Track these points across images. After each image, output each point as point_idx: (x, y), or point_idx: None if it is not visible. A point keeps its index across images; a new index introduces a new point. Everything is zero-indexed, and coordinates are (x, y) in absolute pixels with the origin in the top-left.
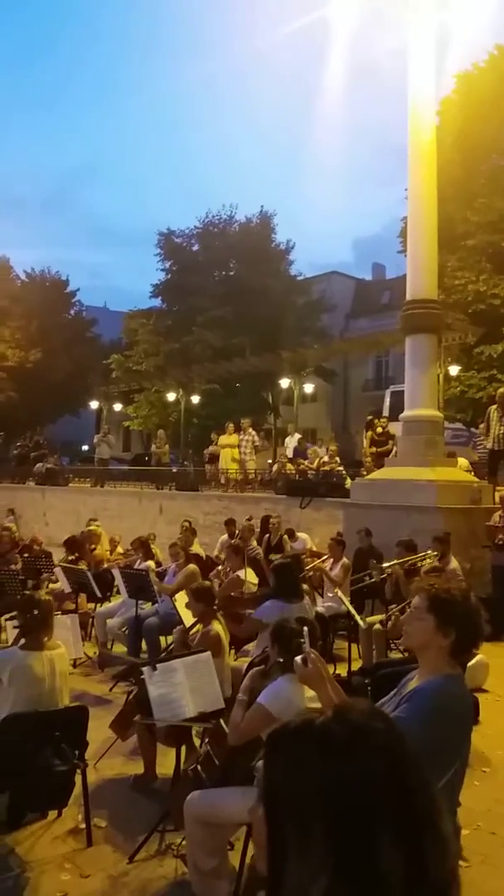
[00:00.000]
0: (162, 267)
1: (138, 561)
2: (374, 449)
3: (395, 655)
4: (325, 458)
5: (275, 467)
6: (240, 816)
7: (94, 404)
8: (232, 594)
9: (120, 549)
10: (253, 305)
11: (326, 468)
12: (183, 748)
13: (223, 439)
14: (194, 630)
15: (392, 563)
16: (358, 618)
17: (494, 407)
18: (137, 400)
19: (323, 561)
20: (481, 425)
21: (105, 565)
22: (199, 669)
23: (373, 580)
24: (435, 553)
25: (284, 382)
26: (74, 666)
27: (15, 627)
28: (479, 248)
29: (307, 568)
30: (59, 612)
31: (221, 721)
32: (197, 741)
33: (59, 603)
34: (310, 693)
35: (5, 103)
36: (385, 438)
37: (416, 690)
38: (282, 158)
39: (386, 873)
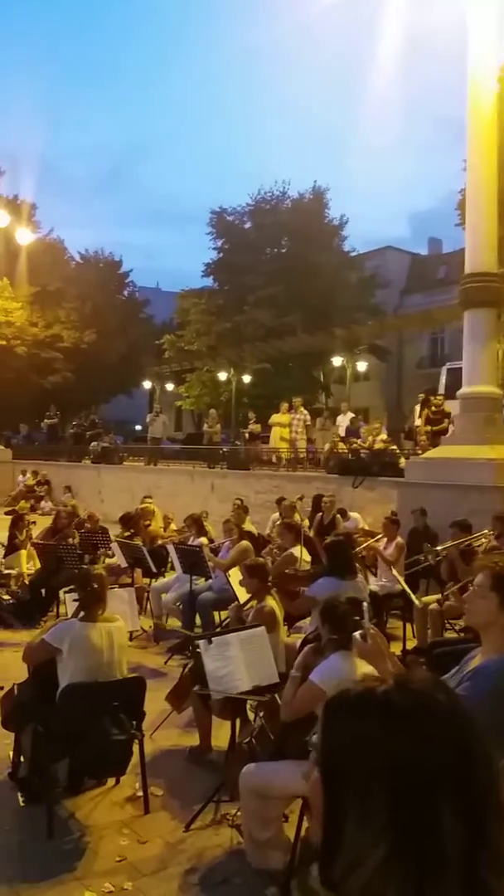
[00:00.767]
0: (214, 246)
1: (191, 538)
2: (429, 427)
3: (449, 635)
4: (384, 437)
5: (326, 446)
6: (295, 789)
7: (146, 384)
8: (286, 571)
9: (173, 526)
10: (305, 283)
11: (381, 447)
12: (238, 721)
13: (275, 418)
14: (248, 606)
15: (446, 545)
16: (413, 597)
17: None
18: (189, 380)
19: (377, 540)
20: None
21: (159, 541)
22: (254, 644)
23: (427, 563)
24: (492, 532)
25: (337, 361)
26: (131, 639)
27: (74, 601)
28: None
29: (360, 548)
30: (116, 586)
31: (276, 696)
32: (251, 715)
33: (115, 577)
34: (363, 670)
35: (58, 84)
36: (441, 416)
37: (479, 669)
38: (335, 133)
39: (446, 844)
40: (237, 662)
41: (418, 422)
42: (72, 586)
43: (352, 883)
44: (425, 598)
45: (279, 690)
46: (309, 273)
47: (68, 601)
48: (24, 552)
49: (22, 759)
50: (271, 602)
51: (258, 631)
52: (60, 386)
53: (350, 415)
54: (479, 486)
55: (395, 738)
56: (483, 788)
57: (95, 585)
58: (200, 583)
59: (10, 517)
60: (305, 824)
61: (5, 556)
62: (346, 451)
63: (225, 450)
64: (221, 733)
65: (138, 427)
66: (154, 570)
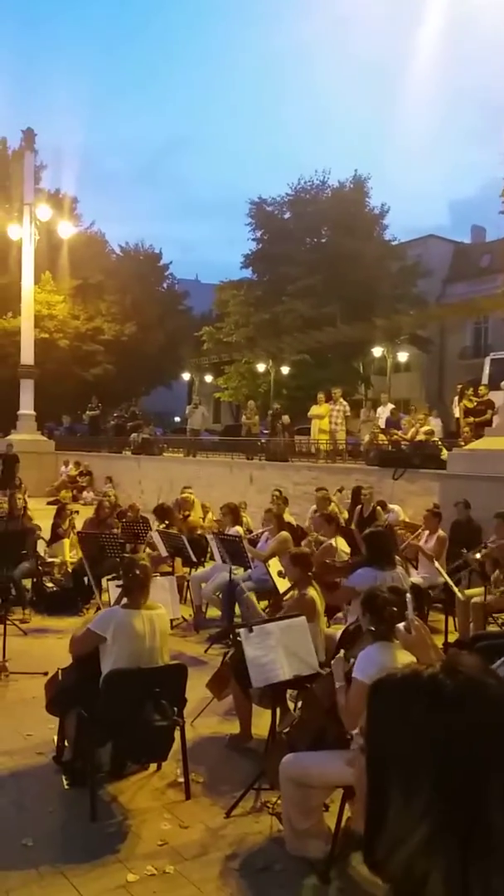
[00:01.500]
0: (253, 237)
1: (227, 527)
2: (471, 419)
3: (491, 629)
4: (434, 428)
5: (366, 438)
6: (335, 779)
7: (185, 376)
8: (326, 561)
9: (212, 516)
10: (345, 273)
11: (423, 438)
12: (278, 710)
13: (314, 409)
14: (288, 596)
15: (481, 551)
16: (456, 590)
17: None
18: (228, 371)
19: (417, 535)
20: None
21: (199, 531)
22: (295, 633)
23: (469, 567)
24: None
25: (377, 351)
26: (171, 627)
27: (117, 587)
28: None
29: (402, 546)
30: (157, 575)
31: (313, 685)
32: (292, 704)
33: (155, 566)
34: (403, 661)
35: (98, 80)
36: (484, 408)
37: None
38: (375, 122)
39: (491, 829)
40: (278, 652)
41: (456, 413)
42: (115, 574)
43: (394, 862)
44: (468, 591)
45: (319, 680)
46: (349, 262)
47: (111, 589)
48: (67, 541)
49: (66, 743)
50: (312, 592)
51: (298, 620)
52: (102, 378)
53: (390, 406)
54: None
55: (442, 721)
56: None
57: (138, 573)
58: (239, 573)
59: (53, 507)
60: (346, 814)
61: (49, 544)
62: (386, 442)
63: (263, 441)
64: (262, 722)
65: (177, 419)
66: (194, 559)
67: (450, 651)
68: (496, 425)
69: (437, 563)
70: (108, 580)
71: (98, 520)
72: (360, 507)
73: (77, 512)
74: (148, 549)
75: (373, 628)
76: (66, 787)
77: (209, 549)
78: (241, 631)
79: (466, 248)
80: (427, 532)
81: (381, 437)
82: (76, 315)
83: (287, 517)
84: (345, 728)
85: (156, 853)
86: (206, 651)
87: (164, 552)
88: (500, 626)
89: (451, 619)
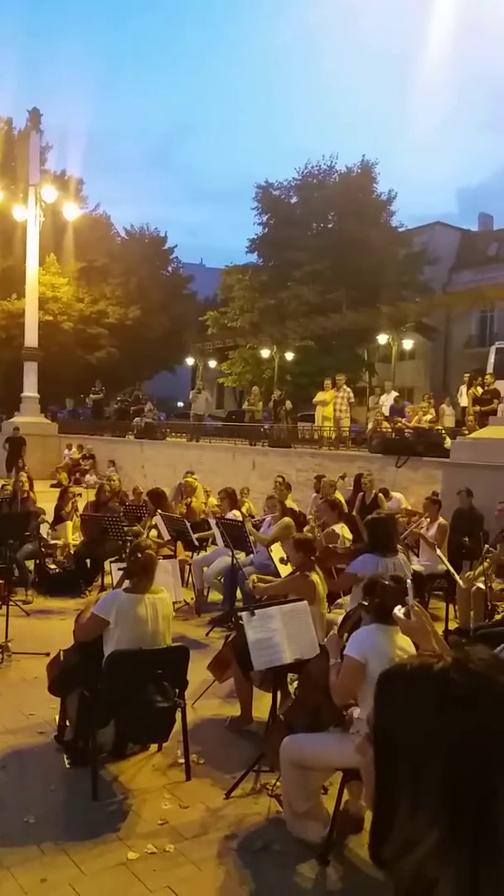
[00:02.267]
0: (259, 221)
1: (225, 511)
2: (477, 407)
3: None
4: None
5: (370, 425)
6: (334, 761)
7: (189, 361)
8: (329, 546)
9: (213, 501)
10: (351, 259)
11: (426, 426)
12: (279, 693)
13: (318, 396)
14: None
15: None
16: (457, 577)
17: None
18: (232, 357)
19: (418, 524)
20: None
21: (202, 516)
22: (297, 617)
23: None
24: None
25: (382, 338)
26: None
27: (119, 570)
28: None
29: (402, 536)
30: (159, 558)
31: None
32: (292, 688)
33: (157, 549)
34: (401, 644)
35: (107, 64)
36: (490, 397)
37: None
38: (382, 109)
39: (501, 833)
40: (280, 635)
41: (464, 401)
42: (118, 556)
43: (404, 865)
44: (468, 573)
45: (314, 659)
46: (356, 249)
47: (114, 571)
48: (70, 523)
49: (67, 723)
50: (314, 577)
51: (300, 605)
52: (105, 362)
53: (394, 393)
54: None
55: (452, 720)
56: None
57: (141, 557)
58: (241, 557)
59: (56, 489)
60: (345, 797)
61: (52, 526)
62: (389, 429)
63: (266, 427)
64: (262, 705)
65: (180, 404)
66: (196, 543)
67: (451, 638)
68: (501, 414)
69: (438, 551)
70: (111, 563)
71: (98, 503)
72: (361, 494)
73: (80, 495)
74: (154, 532)
75: (371, 612)
76: (68, 766)
77: (211, 535)
78: (243, 614)
79: (474, 236)
80: (428, 520)
81: (385, 424)
82: (80, 298)
83: (289, 503)
84: (338, 708)
85: (156, 832)
86: (207, 634)
87: (166, 536)
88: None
89: (451, 607)
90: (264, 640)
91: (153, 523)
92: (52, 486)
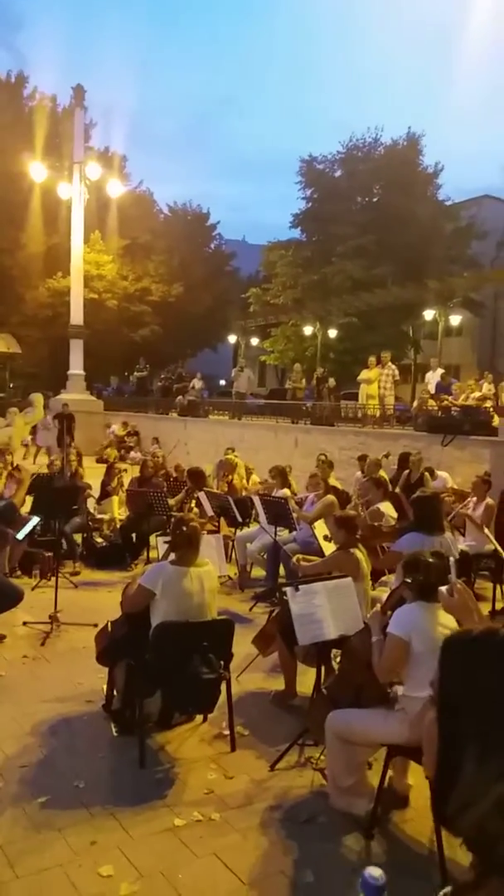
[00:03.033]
0: (303, 195)
1: (275, 489)
2: None
3: None
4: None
5: (415, 403)
6: (379, 737)
7: (231, 338)
8: (374, 524)
9: (255, 478)
10: (397, 233)
11: (474, 404)
12: (323, 668)
13: (363, 374)
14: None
15: None
16: None
17: None
18: (274, 334)
19: (464, 505)
20: None
21: (244, 493)
22: (341, 593)
23: None
24: None
25: (429, 314)
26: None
27: (165, 543)
28: None
29: (450, 517)
30: (203, 532)
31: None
32: (336, 664)
33: (201, 525)
34: (444, 621)
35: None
36: None
37: None
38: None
39: None
40: (324, 611)
41: None
42: (163, 531)
43: (467, 819)
44: None
45: (358, 633)
46: (401, 223)
47: (160, 545)
48: (115, 498)
49: (115, 692)
50: (358, 553)
51: (345, 581)
52: (149, 339)
53: (440, 371)
54: None
55: None
56: None
57: (186, 530)
58: (284, 534)
59: (102, 465)
60: (389, 773)
61: (98, 501)
62: (435, 407)
63: (308, 405)
64: (306, 679)
65: (222, 382)
66: (239, 519)
67: (496, 618)
68: None
69: (486, 530)
70: (156, 536)
71: (142, 479)
72: (407, 472)
73: (125, 470)
74: (196, 510)
75: (414, 589)
76: (115, 734)
77: (253, 511)
78: (288, 589)
79: None
80: (475, 499)
81: (431, 402)
82: (124, 275)
83: (332, 482)
84: (383, 685)
85: (202, 801)
86: (251, 609)
87: (209, 511)
88: None
89: (498, 587)
90: (309, 615)
91: (192, 504)
92: (99, 461)
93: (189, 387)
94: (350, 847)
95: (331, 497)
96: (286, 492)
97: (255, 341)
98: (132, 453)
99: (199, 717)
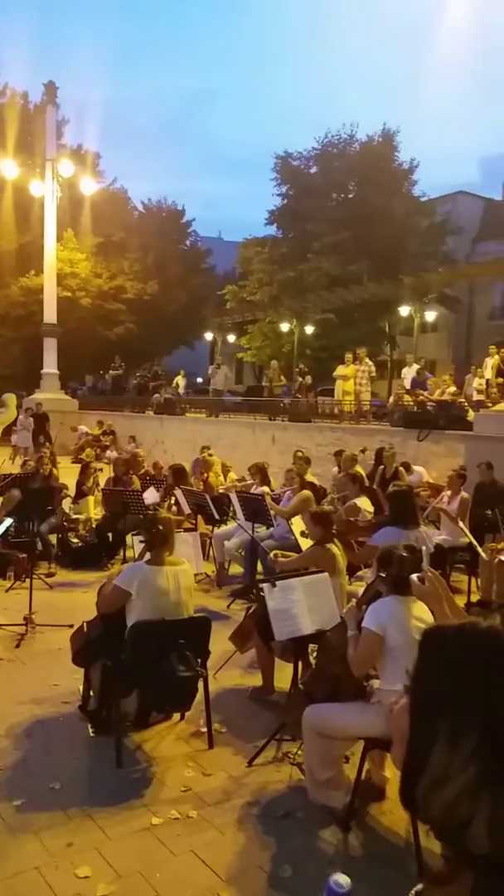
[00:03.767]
0: (278, 192)
1: (254, 486)
2: (500, 380)
3: None
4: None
5: (391, 399)
6: (357, 730)
7: (208, 336)
8: (350, 519)
9: (233, 475)
10: (373, 229)
11: (448, 399)
12: (300, 664)
13: (339, 370)
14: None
15: None
16: (480, 549)
17: None
18: (251, 331)
19: (439, 499)
20: None
21: (221, 490)
22: (317, 589)
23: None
24: None
25: (404, 310)
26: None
27: (140, 542)
28: None
29: (426, 512)
30: (180, 531)
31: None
32: (313, 658)
33: (177, 523)
34: (418, 614)
35: (121, 35)
36: None
37: None
38: (403, 75)
39: None
40: (300, 606)
41: (489, 374)
42: (138, 530)
43: (435, 801)
44: (490, 545)
45: (334, 629)
46: (377, 219)
47: (135, 544)
48: (91, 498)
49: (91, 692)
50: (334, 548)
51: (322, 576)
52: (124, 337)
53: (416, 366)
54: None
55: (500, 671)
56: None
57: (161, 528)
58: (262, 531)
59: (77, 465)
60: (366, 766)
61: (74, 501)
62: (411, 403)
63: (286, 402)
64: (283, 675)
65: (199, 379)
66: (217, 517)
67: (472, 610)
68: None
69: (461, 523)
70: (132, 536)
71: (117, 478)
72: (382, 467)
73: (101, 470)
74: (174, 508)
75: (388, 583)
76: (92, 734)
77: (231, 508)
78: (265, 585)
79: (498, 205)
80: (449, 493)
81: (407, 397)
82: (98, 273)
83: (309, 477)
84: (359, 679)
85: (179, 798)
86: (228, 606)
87: (186, 509)
88: None
89: (473, 580)
90: (285, 611)
91: (170, 501)
92: (74, 461)
93: (172, 384)
94: (327, 840)
95: (306, 492)
96: (266, 489)
97: (231, 338)
98: (108, 452)
99: (177, 716)
